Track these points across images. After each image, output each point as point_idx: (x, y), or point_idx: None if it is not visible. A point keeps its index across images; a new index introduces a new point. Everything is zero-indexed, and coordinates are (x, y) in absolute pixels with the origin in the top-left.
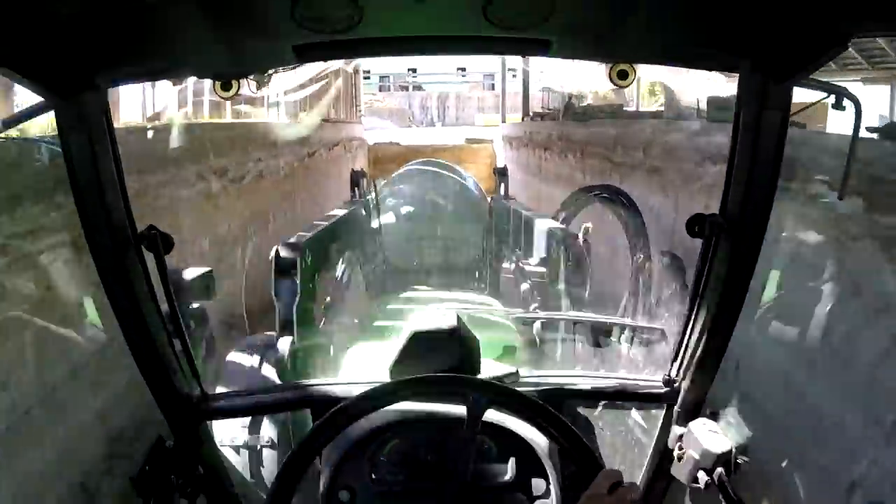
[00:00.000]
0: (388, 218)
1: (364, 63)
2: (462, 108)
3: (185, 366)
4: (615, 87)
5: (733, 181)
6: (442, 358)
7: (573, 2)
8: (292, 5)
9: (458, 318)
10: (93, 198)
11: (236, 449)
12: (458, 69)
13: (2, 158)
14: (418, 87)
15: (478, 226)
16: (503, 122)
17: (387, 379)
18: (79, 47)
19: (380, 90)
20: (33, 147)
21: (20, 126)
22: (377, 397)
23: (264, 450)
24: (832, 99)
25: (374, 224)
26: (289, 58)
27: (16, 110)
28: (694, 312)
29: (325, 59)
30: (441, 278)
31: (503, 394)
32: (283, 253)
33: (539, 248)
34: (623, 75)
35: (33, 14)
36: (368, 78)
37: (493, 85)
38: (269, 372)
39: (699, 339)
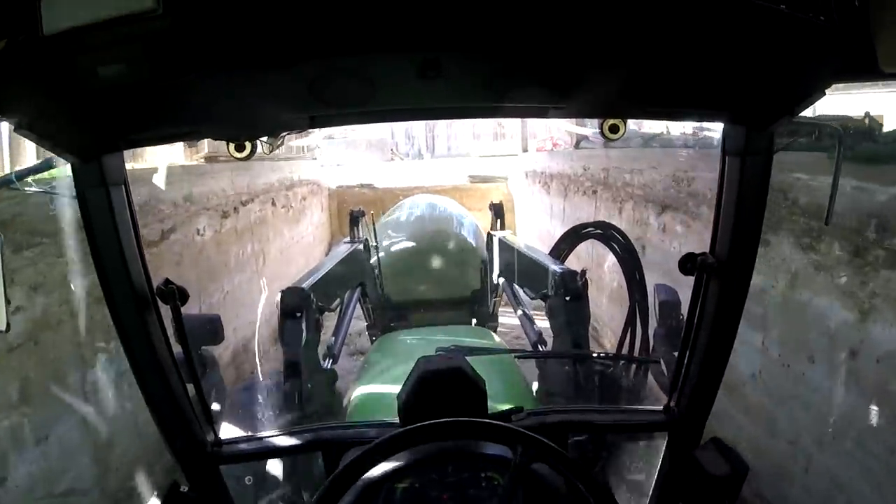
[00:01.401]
0: (385, 256)
1: None
2: (454, 137)
3: (199, 412)
4: (608, 140)
5: (721, 222)
6: (449, 399)
7: (569, 73)
8: (310, 83)
9: (464, 360)
10: (111, 255)
11: (245, 491)
12: None
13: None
14: None
15: (475, 261)
16: (524, 150)
17: (394, 419)
18: (102, 115)
19: None
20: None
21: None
22: (415, 436)
23: (274, 491)
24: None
25: (373, 262)
26: (304, 124)
27: None
28: (690, 343)
29: (337, 125)
30: (439, 313)
31: (548, 451)
32: (289, 297)
33: (537, 284)
34: (614, 129)
35: (59, 85)
36: None
37: None
38: (277, 415)
39: (696, 369)
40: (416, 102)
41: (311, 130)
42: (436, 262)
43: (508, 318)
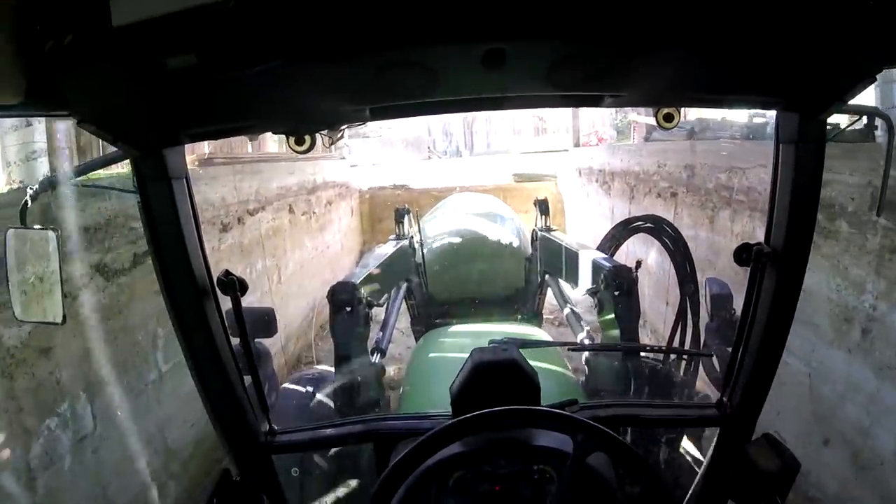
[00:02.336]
0: (429, 253)
1: None
2: (493, 133)
3: (255, 402)
4: (663, 129)
5: (776, 212)
6: (502, 390)
7: (623, 62)
8: (373, 74)
9: (518, 352)
10: (173, 247)
11: (295, 481)
12: None
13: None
14: None
15: (519, 258)
16: (575, 146)
17: (448, 411)
18: (165, 108)
19: None
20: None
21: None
22: (477, 423)
23: (324, 481)
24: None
25: (418, 258)
26: (364, 116)
27: None
28: (744, 337)
29: (397, 117)
30: (483, 310)
31: (610, 441)
32: (339, 291)
33: (586, 279)
34: (669, 118)
35: (125, 78)
36: None
37: None
38: (328, 406)
39: (750, 363)
40: (478, 92)
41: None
42: (479, 260)
43: (551, 315)
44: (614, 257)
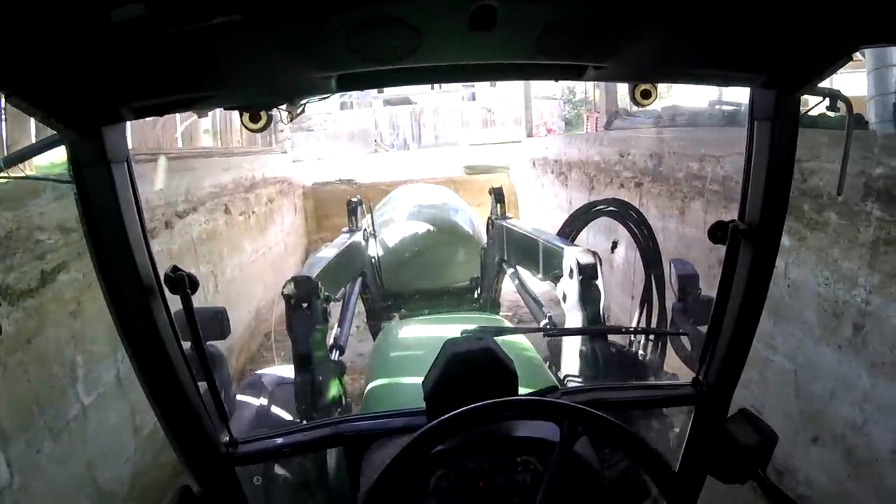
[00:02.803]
0: (381, 246)
1: None
2: (441, 125)
3: (212, 410)
4: (639, 106)
5: (751, 189)
6: (479, 382)
7: (612, 29)
8: (349, 34)
9: (493, 341)
10: (113, 240)
11: (259, 492)
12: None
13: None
14: (407, 101)
15: (473, 247)
16: (529, 136)
17: (420, 407)
18: (103, 79)
19: (341, 108)
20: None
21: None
22: (463, 420)
23: (291, 489)
24: (826, 102)
25: (371, 252)
26: (329, 87)
27: None
28: (720, 314)
29: (368, 88)
30: (439, 302)
31: (600, 422)
32: (296, 286)
33: (547, 266)
34: (646, 94)
35: (53, 45)
36: (326, 98)
37: (473, 95)
38: (287, 409)
39: (725, 340)
40: (461, 58)
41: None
42: (433, 251)
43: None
44: (575, 242)
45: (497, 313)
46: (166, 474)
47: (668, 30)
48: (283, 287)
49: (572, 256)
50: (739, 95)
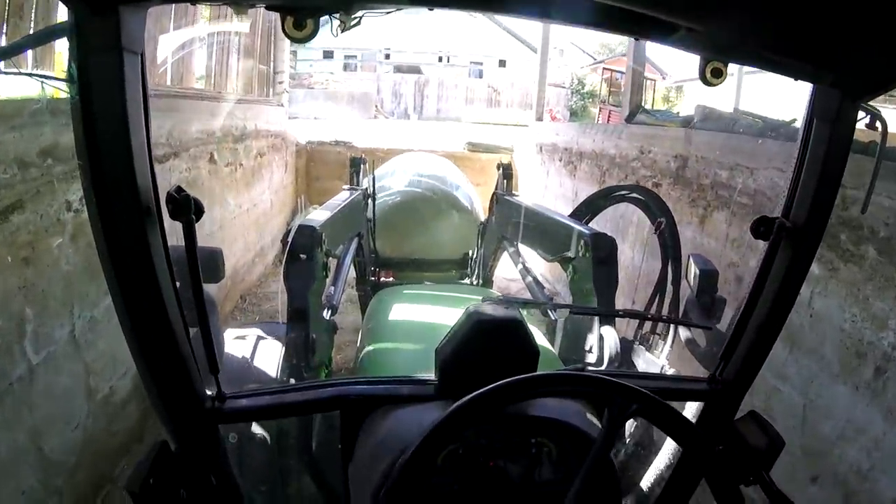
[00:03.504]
0: (378, 210)
1: (326, 39)
2: (445, 99)
3: (202, 360)
4: (708, 85)
5: (800, 187)
6: (503, 353)
7: None
8: None
9: (519, 311)
10: (114, 144)
11: (243, 450)
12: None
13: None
14: (418, 70)
15: (471, 221)
16: (538, 119)
17: (428, 374)
18: None
19: (344, 69)
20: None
21: None
22: (517, 390)
23: (272, 451)
24: (867, 119)
25: (368, 214)
26: None
27: None
28: (750, 311)
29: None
30: (431, 272)
31: (652, 404)
32: (300, 236)
33: (556, 246)
34: (717, 73)
35: None
36: (331, 57)
37: (480, 72)
38: (274, 366)
39: (748, 339)
40: None
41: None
42: (430, 221)
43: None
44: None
45: (490, 288)
46: (119, 441)
47: (760, 3)
48: (285, 235)
49: (589, 238)
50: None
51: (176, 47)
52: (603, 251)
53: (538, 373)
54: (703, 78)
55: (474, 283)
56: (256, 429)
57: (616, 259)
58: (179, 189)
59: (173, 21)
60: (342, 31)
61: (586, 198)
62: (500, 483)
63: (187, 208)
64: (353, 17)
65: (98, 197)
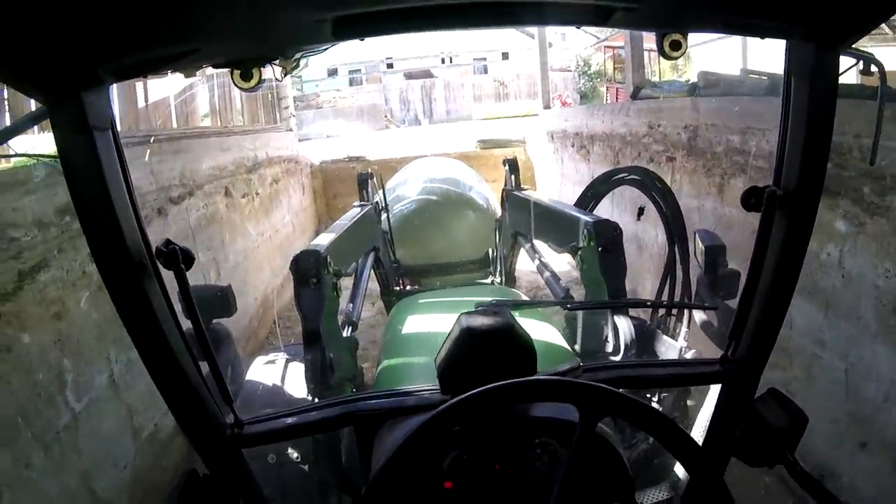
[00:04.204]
0: (395, 219)
1: (326, 58)
2: (453, 99)
3: (215, 391)
4: (668, 59)
5: (787, 152)
6: (496, 359)
7: None
8: None
9: (510, 315)
10: (101, 212)
11: (270, 471)
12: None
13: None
14: (428, 74)
15: (488, 220)
16: (546, 107)
17: (434, 385)
18: (76, 39)
19: (350, 84)
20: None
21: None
22: (477, 402)
23: (300, 468)
24: (860, 65)
25: (384, 225)
26: (324, 34)
27: None
28: (753, 287)
29: (368, 35)
30: (454, 275)
31: (623, 403)
32: (305, 261)
33: (564, 237)
34: (676, 46)
35: (22, 5)
36: (335, 74)
37: (485, 68)
38: (299, 388)
39: (757, 314)
40: None
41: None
42: (447, 224)
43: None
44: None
45: (513, 286)
46: (169, 476)
47: None
48: (294, 260)
49: (592, 227)
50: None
51: (178, 91)
52: (606, 238)
53: (495, 384)
54: (661, 52)
55: (497, 281)
56: (290, 449)
57: (621, 245)
58: (168, 242)
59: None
60: (285, 76)
61: (587, 185)
62: (507, 485)
63: (175, 259)
64: (292, 60)
65: (96, 256)
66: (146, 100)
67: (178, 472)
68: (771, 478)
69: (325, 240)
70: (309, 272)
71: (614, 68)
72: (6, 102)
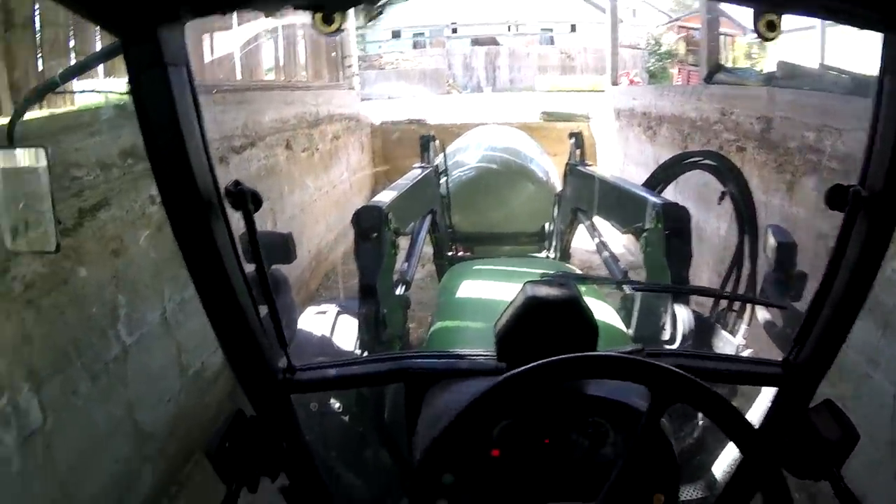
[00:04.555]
0: (453, 185)
1: (390, 19)
2: (517, 69)
3: (271, 334)
4: (764, 40)
5: (876, 151)
6: (559, 331)
7: None
8: None
9: (577, 289)
10: (171, 150)
11: (309, 417)
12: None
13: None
14: (494, 41)
15: (547, 193)
16: (613, 84)
17: (488, 350)
18: None
19: (413, 47)
20: None
21: None
22: (552, 371)
23: (339, 419)
24: None
25: (443, 190)
26: None
27: None
28: (826, 290)
29: None
30: (509, 245)
31: (697, 391)
32: (367, 216)
33: (628, 217)
34: (771, 27)
35: None
36: (398, 36)
37: (551, 38)
38: (349, 341)
39: (825, 319)
40: None
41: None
42: (506, 193)
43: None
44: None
45: (568, 262)
46: (211, 413)
47: None
48: (355, 215)
49: (661, 209)
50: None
51: (242, 43)
52: (675, 222)
53: (569, 356)
54: (757, 32)
55: (552, 256)
56: (333, 398)
57: (689, 231)
58: (237, 183)
59: (237, 18)
60: (368, 22)
61: (658, 166)
62: (554, 460)
63: (244, 200)
64: (376, 6)
65: (164, 192)
66: (212, 52)
67: (220, 411)
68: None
69: (386, 197)
70: (370, 227)
71: (687, 50)
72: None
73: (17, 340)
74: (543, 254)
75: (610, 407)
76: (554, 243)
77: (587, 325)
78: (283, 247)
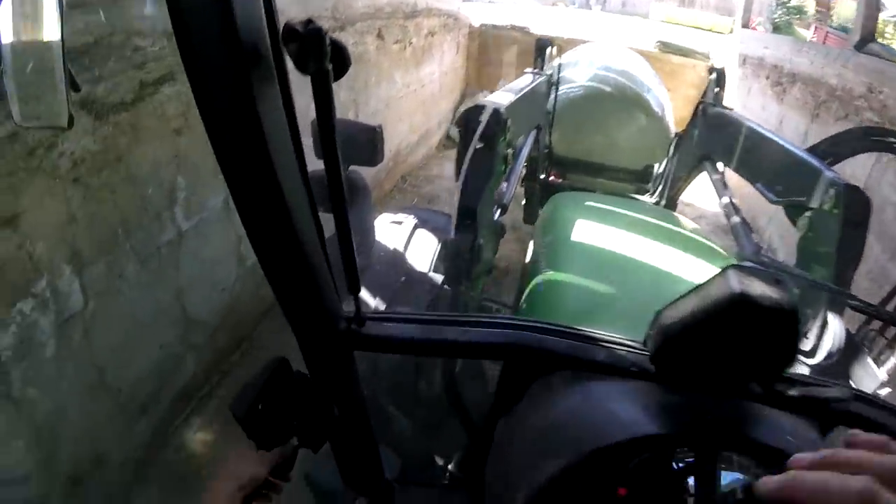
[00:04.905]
0: (562, 102)
1: None
2: None
3: (338, 269)
4: None
5: None
6: (755, 346)
7: None
8: None
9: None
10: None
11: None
12: None
13: None
14: None
15: (661, 131)
16: (743, 26)
17: (632, 340)
18: None
19: None
20: None
21: None
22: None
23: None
24: None
25: (549, 105)
26: None
27: None
28: None
29: None
30: (610, 179)
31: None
32: (480, 118)
33: (788, 186)
34: None
35: None
36: None
37: None
38: (425, 260)
39: None
40: None
41: None
42: (613, 121)
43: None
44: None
45: (673, 209)
46: (265, 306)
47: None
48: (461, 118)
49: (843, 189)
50: None
51: None
52: (857, 210)
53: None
54: None
55: (655, 201)
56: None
57: (868, 225)
58: (308, 22)
59: None
60: None
61: (832, 136)
62: (678, 494)
63: (319, 53)
64: None
65: (181, 43)
66: None
67: (273, 303)
68: None
69: (503, 99)
70: (486, 132)
71: (816, 10)
72: None
73: (60, 220)
74: (643, 197)
75: (751, 447)
76: (660, 188)
77: (788, 347)
78: (370, 143)
